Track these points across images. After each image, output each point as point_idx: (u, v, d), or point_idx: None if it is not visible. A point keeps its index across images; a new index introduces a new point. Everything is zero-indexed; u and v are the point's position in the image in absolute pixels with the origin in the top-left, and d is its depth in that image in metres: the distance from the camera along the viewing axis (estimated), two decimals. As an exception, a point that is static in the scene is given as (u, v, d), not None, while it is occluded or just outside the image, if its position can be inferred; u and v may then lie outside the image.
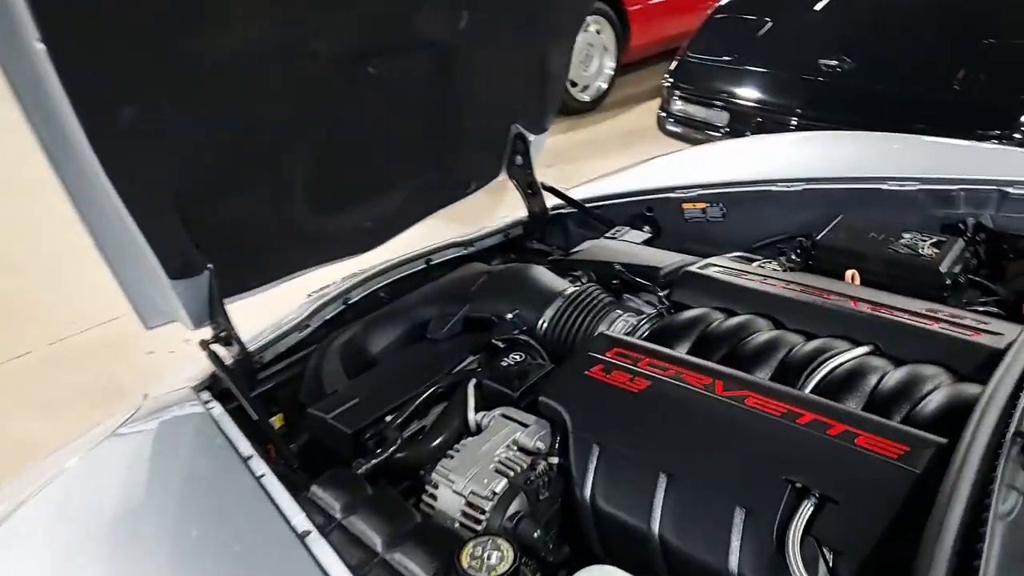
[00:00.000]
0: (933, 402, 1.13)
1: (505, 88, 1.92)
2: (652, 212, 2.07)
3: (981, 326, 1.28)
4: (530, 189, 2.08)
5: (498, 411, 1.26)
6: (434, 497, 1.14)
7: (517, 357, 1.38)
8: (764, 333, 1.33)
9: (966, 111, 3.60)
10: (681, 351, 1.33)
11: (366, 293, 1.78)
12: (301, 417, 1.50)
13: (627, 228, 1.99)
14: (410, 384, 1.40)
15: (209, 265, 1.34)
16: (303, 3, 1.27)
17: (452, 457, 1.17)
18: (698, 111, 4.38)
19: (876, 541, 0.92)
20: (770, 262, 1.65)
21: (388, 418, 1.33)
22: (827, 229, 1.73)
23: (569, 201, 2.13)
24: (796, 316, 1.37)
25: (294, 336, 1.63)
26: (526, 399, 1.32)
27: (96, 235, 1.17)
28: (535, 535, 1.07)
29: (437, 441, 1.29)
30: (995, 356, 1.20)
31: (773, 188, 1.93)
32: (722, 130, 4.21)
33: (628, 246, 1.83)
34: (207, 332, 1.41)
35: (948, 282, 1.55)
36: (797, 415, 1.08)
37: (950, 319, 1.30)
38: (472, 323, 1.56)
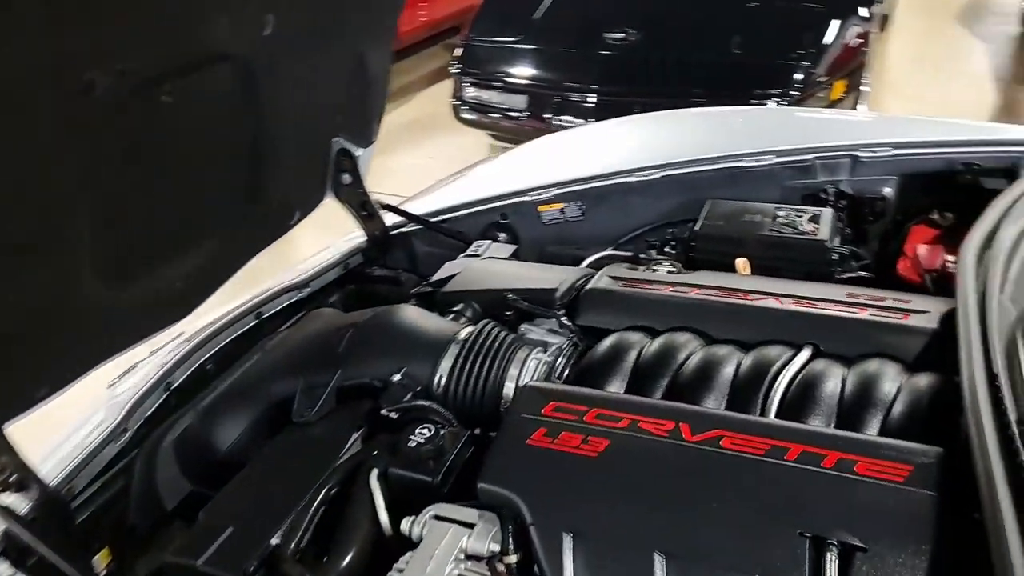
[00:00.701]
0: (903, 404, 1.05)
1: (322, 98, 1.64)
2: (507, 219, 1.89)
3: (905, 306, 1.23)
4: (364, 210, 1.81)
5: (429, 512, 1.02)
6: (380, 649, 0.88)
7: (425, 431, 1.14)
8: (699, 353, 1.19)
9: (746, 74, 3.78)
10: (617, 390, 1.16)
11: (191, 371, 1.44)
12: (133, 544, 1.18)
13: (488, 242, 1.79)
14: (292, 491, 1.11)
15: None
16: (65, 21, 0.93)
17: (391, 589, 0.92)
18: (493, 96, 4.25)
19: None
20: (661, 262, 1.53)
21: (274, 540, 1.04)
22: (703, 217, 1.64)
23: (414, 218, 1.89)
24: (721, 324, 1.26)
25: (111, 448, 1.27)
26: (448, 482, 1.09)
27: None
28: None
29: (347, 560, 1.03)
30: (935, 338, 1.15)
31: (631, 179, 1.82)
32: (523, 114, 4.12)
33: (504, 265, 1.64)
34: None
35: (835, 256, 1.52)
36: (783, 450, 0.95)
37: (874, 303, 1.24)
38: (347, 393, 1.29)
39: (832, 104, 3.80)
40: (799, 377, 1.11)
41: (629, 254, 1.74)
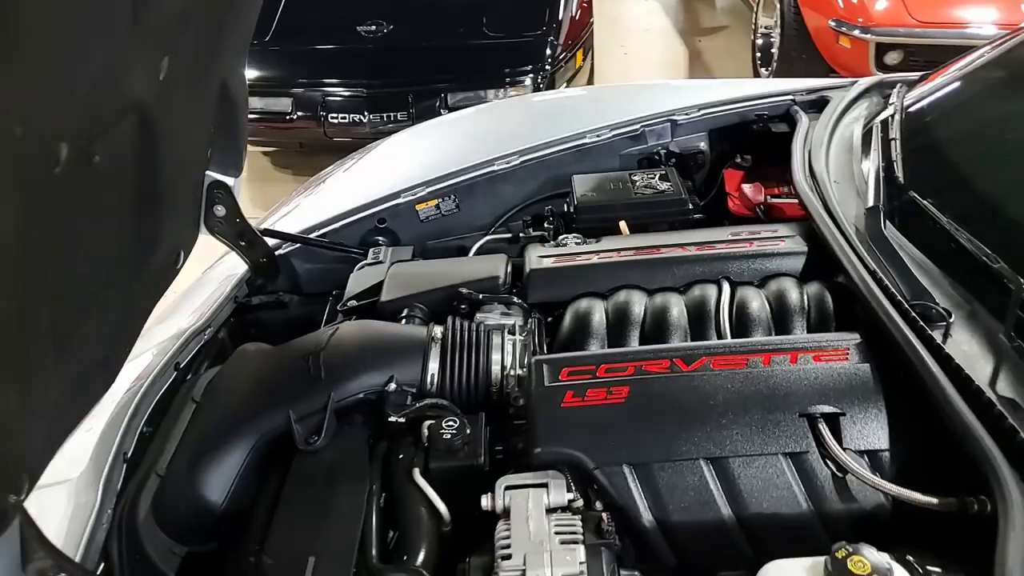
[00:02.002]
0: (815, 308, 1.39)
1: (198, 134, 1.63)
2: (384, 223, 1.98)
3: (776, 235, 1.58)
4: (243, 239, 1.81)
5: (502, 485, 1.15)
6: (519, 607, 1.02)
7: (452, 423, 1.26)
8: (649, 305, 1.44)
9: (501, 53, 4.08)
10: (599, 348, 1.37)
11: (136, 438, 1.41)
12: None
13: (384, 248, 1.88)
14: (345, 509, 1.19)
15: (11, 497, 0.94)
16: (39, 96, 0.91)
17: (509, 556, 1.05)
18: (254, 102, 4.12)
19: (890, 429, 1.14)
20: (568, 236, 1.74)
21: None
22: (576, 192, 1.88)
23: (297, 239, 1.92)
24: (652, 276, 1.51)
25: (100, 535, 1.23)
26: (487, 461, 1.24)
27: None
28: None
29: (423, 554, 1.14)
30: (810, 253, 1.51)
31: (496, 168, 2.00)
32: (289, 116, 4.05)
33: (427, 266, 1.75)
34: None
35: (691, 207, 1.84)
36: (757, 360, 1.23)
37: (754, 236, 1.57)
38: (344, 412, 1.35)
39: (577, 72, 4.25)
40: (734, 304, 1.41)
41: (509, 235, 1.94)
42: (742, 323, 1.39)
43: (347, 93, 3.97)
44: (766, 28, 4.86)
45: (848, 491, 1.12)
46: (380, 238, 1.98)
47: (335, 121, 3.95)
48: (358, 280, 1.75)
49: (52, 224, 1.03)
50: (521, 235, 1.91)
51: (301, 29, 4.20)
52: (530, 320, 1.49)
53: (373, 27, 4.12)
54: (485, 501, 1.15)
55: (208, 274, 1.99)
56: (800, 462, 1.14)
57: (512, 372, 1.37)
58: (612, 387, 1.21)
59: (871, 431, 1.14)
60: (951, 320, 1.23)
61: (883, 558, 0.94)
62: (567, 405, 1.20)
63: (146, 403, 1.46)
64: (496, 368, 1.38)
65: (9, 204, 0.87)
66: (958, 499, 1.05)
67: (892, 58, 3.79)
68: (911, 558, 0.98)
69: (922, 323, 1.20)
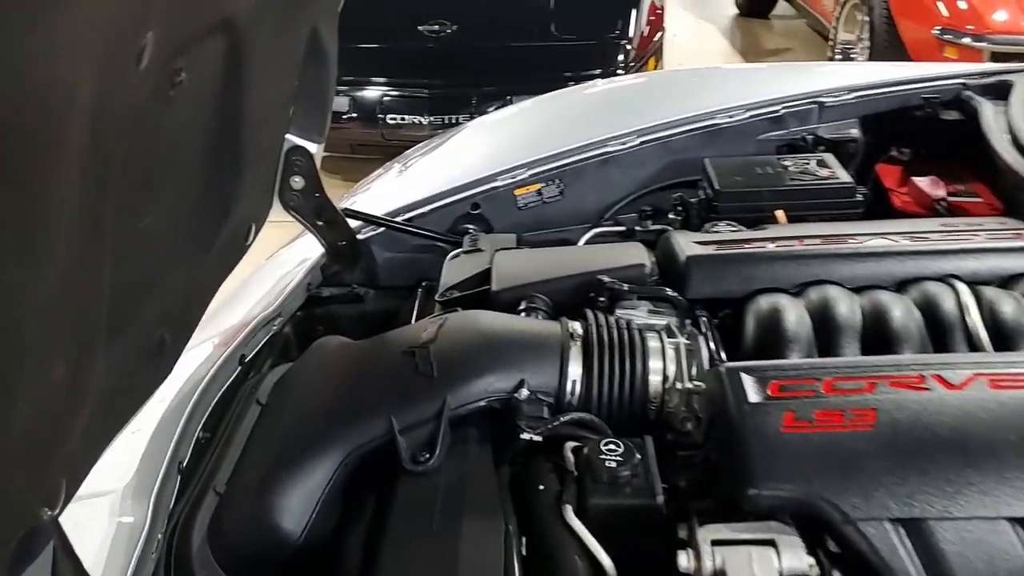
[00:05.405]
0: None
1: (283, 84, 1.34)
2: (479, 209, 1.67)
3: (1006, 227, 1.23)
4: (321, 218, 1.51)
5: (705, 540, 0.80)
6: None
7: (614, 447, 0.92)
8: (867, 304, 1.10)
9: (571, 56, 3.81)
10: (804, 357, 1.03)
11: (192, 445, 1.11)
12: None
13: (480, 234, 1.57)
14: (474, 558, 0.86)
15: (45, 512, 0.67)
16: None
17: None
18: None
19: None
20: (717, 223, 1.41)
21: None
22: (715, 176, 1.55)
23: (384, 223, 1.62)
24: (856, 272, 1.17)
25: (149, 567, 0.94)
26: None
27: None
28: None
29: None
30: None
31: (610, 148, 1.68)
32: (344, 116, 3.79)
33: (543, 253, 1.43)
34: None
35: (859, 197, 1.51)
36: (1044, 380, 0.88)
37: (977, 228, 1.23)
38: (460, 422, 1.03)
39: (649, 80, 3.96)
40: (983, 310, 1.06)
41: (622, 228, 1.62)
42: (1001, 334, 1.04)
43: (407, 94, 3.72)
44: (847, 44, 4.55)
45: None
46: (470, 226, 1.67)
47: (392, 122, 3.69)
48: (455, 269, 1.45)
49: (127, 151, 0.73)
50: (637, 228, 1.58)
51: (360, 27, 3.94)
52: (698, 320, 1.15)
53: (436, 27, 3.89)
54: (684, 559, 0.80)
55: (275, 259, 1.69)
56: None
57: (677, 385, 1.03)
58: (850, 408, 0.87)
59: None
60: None
61: None
62: (789, 431, 0.86)
63: (205, 402, 1.18)
64: (655, 379, 1.05)
65: (81, 101, 0.57)
66: None
67: (1003, 71, 3.47)
68: None
69: None
